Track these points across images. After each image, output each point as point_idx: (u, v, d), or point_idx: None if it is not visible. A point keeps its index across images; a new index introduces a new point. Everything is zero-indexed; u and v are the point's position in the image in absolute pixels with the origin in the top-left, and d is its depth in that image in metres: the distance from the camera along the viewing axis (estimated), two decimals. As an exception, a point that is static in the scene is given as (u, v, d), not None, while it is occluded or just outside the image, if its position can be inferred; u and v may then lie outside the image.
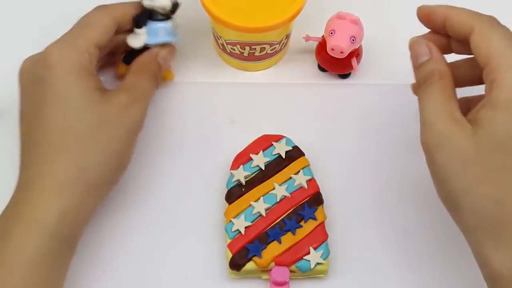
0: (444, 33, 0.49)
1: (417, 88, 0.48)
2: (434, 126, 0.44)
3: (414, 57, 0.48)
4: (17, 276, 0.44)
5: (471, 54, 0.47)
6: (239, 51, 0.58)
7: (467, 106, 0.48)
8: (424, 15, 0.49)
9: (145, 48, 0.54)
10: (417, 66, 0.48)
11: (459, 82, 0.48)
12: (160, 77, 0.55)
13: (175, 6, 0.53)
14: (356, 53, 0.58)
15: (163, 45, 0.54)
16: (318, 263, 0.51)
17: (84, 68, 0.49)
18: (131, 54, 0.54)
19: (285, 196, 0.53)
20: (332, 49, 0.56)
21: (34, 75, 0.49)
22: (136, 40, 0.53)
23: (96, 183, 0.48)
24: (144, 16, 0.52)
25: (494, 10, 0.65)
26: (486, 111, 0.43)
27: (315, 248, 0.51)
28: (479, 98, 0.46)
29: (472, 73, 0.49)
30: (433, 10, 0.48)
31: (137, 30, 0.53)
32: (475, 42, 0.45)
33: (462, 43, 0.48)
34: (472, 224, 0.44)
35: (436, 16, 0.48)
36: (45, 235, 0.45)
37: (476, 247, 0.44)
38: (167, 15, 0.53)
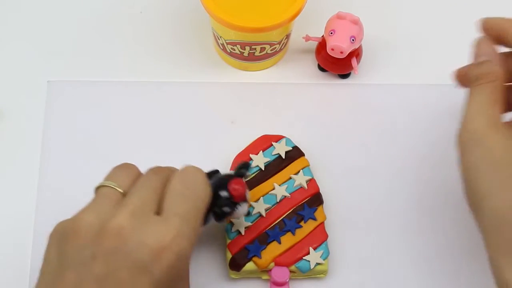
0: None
1: (462, 81, 0.48)
2: (473, 125, 0.44)
3: (476, 53, 0.48)
4: None
5: None
6: (239, 51, 0.58)
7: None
8: (493, 32, 0.48)
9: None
10: (475, 63, 0.47)
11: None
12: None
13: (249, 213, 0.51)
14: (356, 53, 0.58)
15: None
16: (318, 263, 0.51)
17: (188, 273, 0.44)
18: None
19: (285, 196, 0.53)
20: (332, 49, 0.56)
21: (132, 259, 0.40)
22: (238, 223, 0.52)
23: None
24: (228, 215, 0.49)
25: (494, 10, 0.65)
26: None
27: (315, 248, 0.51)
28: None
29: None
30: (500, 25, 0.48)
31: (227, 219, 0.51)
32: None
33: None
34: (490, 227, 0.43)
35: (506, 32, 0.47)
36: None
37: (491, 251, 0.44)
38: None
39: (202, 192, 0.45)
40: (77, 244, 0.40)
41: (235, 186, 0.47)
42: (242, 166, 0.49)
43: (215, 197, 0.47)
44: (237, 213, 0.48)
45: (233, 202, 0.47)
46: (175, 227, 0.41)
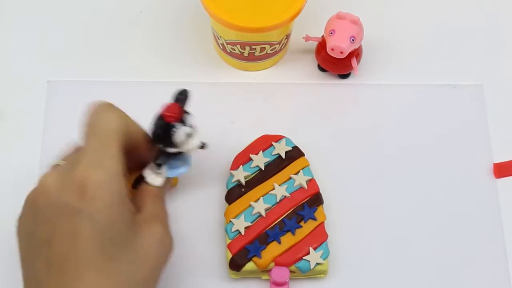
0: None
1: None
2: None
3: None
4: None
5: None
6: (239, 51, 0.58)
7: None
8: None
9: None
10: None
11: None
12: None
13: (202, 147, 0.50)
14: (356, 53, 0.58)
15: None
16: (318, 263, 0.51)
17: (122, 195, 0.44)
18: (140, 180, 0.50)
19: (285, 196, 0.53)
20: (332, 49, 0.56)
21: (65, 202, 0.43)
22: (158, 178, 0.50)
23: None
24: (165, 157, 0.49)
25: (494, 10, 0.65)
26: None
27: (315, 248, 0.51)
28: None
29: None
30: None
31: (159, 168, 0.50)
32: None
33: None
34: None
35: None
36: None
37: None
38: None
39: (105, 123, 0.46)
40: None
41: (166, 108, 0.48)
42: (179, 92, 0.49)
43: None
44: (176, 136, 0.47)
45: (167, 124, 0.47)
46: (87, 162, 0.44)
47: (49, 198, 0.44)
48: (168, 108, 0.48)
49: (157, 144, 0.48)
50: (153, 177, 0.50)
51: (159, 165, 0.49)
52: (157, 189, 0.50)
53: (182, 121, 0.48)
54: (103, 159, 0.44)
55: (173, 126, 0.47)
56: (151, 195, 0.49)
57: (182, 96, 0.49)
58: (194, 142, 0.48)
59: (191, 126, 0.48)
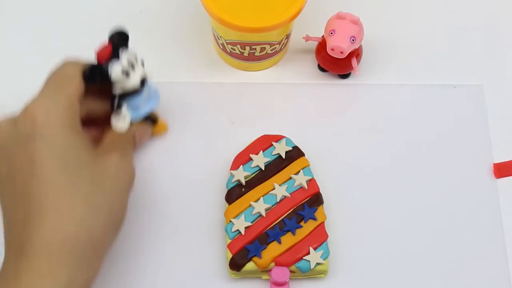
0: None
1: None
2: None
3: None
4: None
5: None
6: (239, 51, 0.58)
7: None
8: None
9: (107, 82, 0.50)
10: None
11: None
12: (132, 151, 0.53)
13: (143, 82, 0.50)
14: (356, 53, 0.58)
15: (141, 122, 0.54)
16: (318, 263, 0.51)
17: (74, 124, 0.46)
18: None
19: (285, 196, 0.53)
20: (332, 49, 0.56)
21: (18, 134, 0.45)
22: (121, 120, 0.51)
23: (101, 244, 0.45)
24: (120, 99, 0.51)
25: (494, 10, 0.65)
26: None
27: (315, 248, 0.51)
28: None
29: None
30: None
31: (119, 111, 0.51)
32: None
33: None
34: None
35: None
36: None
37: None
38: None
39: (62, 71, 0.48)
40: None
41: (97, 50, 0.49)
42: (112, 34, 0.50)
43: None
44: (112, 75, 0.48)
45: (100, 66, 0.48)
46: (38, 99, 0.47)
47: (3, 135, 0.46)
48: (99, 49, 0.49)
49: (96, 84, 0.49)
50: (117, 122, 0.51)
51: (118, 107, 0.50)
52: (122, 133, 0.51)
53: (117, 59, 0.49)
54: (55, 96, 0.46)
55: (107, 66, 0.48)
56: (111, 134, 0.51)
57: (115, 37, 0.50)
58: (134, 77, 0.49)
59: (131, 63, 0.49)
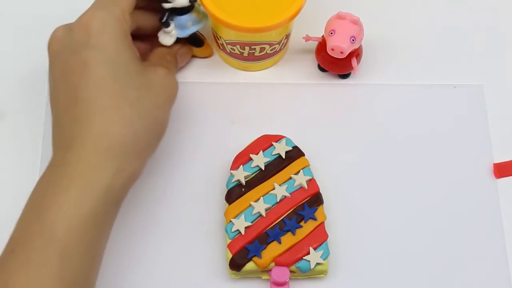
0: None
1: None
2: None
3: None
4: (74, 236, 0.44)
5: None
6: (239, 51, 0.58)
7: None
8: None
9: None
10: None
11: None
12: (175, 70, 0.58)
13: (192, 0, 0.54)
14: (356, 53, 0.58)
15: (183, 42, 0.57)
16: (318, 263, 0.51)
17: (127, 36, 0.50)
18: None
19: (285, 196, 0.53)
20: (332, 49, 0.56)
21: (73, 41, 0.49)
22: (168, 37, 0.55)
23: (144, 147, 0.49)
24: (169, 15, 0.54)
25: (494, 10, 0.65)
26: None
27: (315, 248, 0.51)
28: None
29: None
30: None
31: (166, 27, 0.54)
32: None
33: None
34: None
35: None
36: (99, 195, 0.45)
37: None
38: (190, 6, 0.55)
39: None
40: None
41: None
42: None
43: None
44: None
45: None
46: (91, 9, 0.50)
47: (59, 41, 0.49)
48: None
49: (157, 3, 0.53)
50: (163, 37, 0.55)
51: (166, 25, 0.54)
52: (168, 49, 0.56)
53: None
54: (109, 8, 0.49)
55: None
56: (157, 51, 0.55)
57: None
58: None
59: None
